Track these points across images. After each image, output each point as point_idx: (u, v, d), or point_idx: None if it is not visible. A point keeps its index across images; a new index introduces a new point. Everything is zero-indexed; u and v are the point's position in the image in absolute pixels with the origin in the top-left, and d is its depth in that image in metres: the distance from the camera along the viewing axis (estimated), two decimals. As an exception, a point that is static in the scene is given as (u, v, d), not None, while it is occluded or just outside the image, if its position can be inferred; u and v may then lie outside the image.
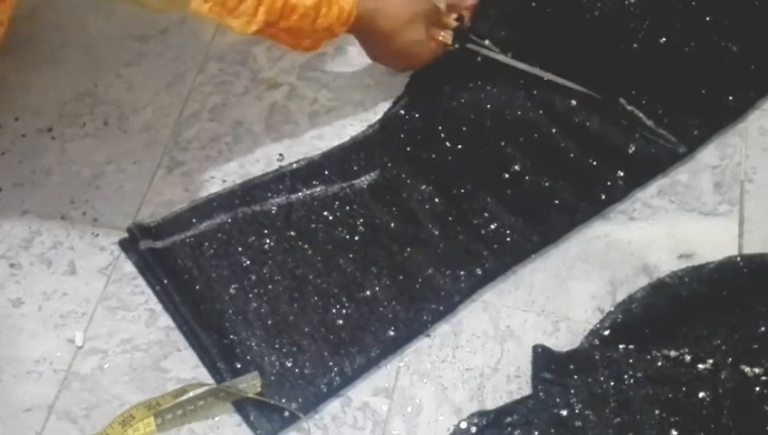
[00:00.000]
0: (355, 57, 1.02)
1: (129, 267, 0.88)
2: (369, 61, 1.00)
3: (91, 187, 0.93)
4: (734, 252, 0.88)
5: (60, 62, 1.02)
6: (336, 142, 0.95)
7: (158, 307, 0.86)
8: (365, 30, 0.91)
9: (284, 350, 0.82)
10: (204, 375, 0.82)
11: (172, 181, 0.93)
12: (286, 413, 0.79)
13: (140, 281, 0.87)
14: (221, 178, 0.93)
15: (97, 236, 0.90)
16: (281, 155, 0.95)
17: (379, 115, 0.97)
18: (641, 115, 0.94)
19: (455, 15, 0.97)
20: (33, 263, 0.88)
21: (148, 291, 0.87)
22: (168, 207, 0.91)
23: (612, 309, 0.84)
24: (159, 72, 1.01)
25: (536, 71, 0.96)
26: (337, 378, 0.80)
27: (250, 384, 0.79)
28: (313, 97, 0.99)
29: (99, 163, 0.95)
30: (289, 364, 0.81)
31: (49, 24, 1.04)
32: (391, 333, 0.83)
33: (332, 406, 0.80)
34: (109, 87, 1.00)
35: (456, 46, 0.96)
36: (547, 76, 0.96)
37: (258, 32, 0.85)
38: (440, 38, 0.95)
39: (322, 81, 1.00)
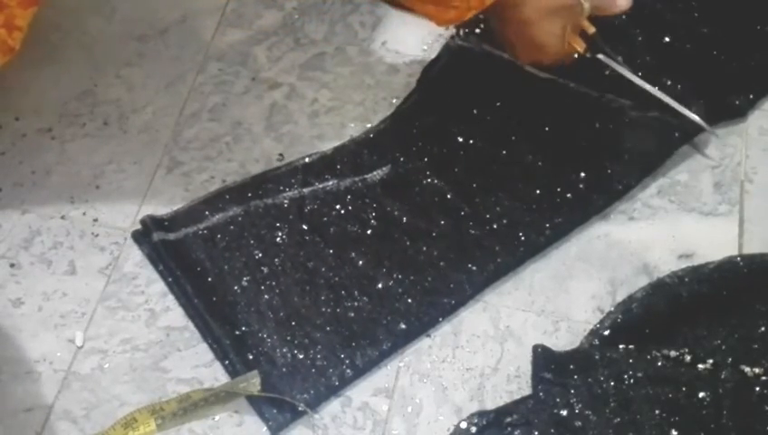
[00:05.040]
0: (355, 57, 1.02)
1: (129, 267, 0.88)
2: (369, 60, 1.01)
3: (90, 187, 0.93)
4: (734, 252, 0.88)
5: (60, 62, 1.02)
6: (336, 142, 0.95)
7: (158, 307, 0.86)
8: (508, 7, 0.87)
9: (296, 342, 0.82)
10: (204, 375, 0.82)
11: (172, 181, 0.93)
12: (299, 407, 0.79)
13: (140, 281, 0.87)
14: (221, 178, 0.93)
15: (97, 236, 0.90)
16: (281, 155, 0.95)
17: (380, 115, 0.97)
18: (659, 93, 0.94)
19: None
20: (33, 263, 0.88)
21: (149, 291, 0.87)
22: (168, 207, 0.91)
23: (612, 309, 0.84)
24: (159, 72, 1.01)
25: (664, 97, 0.94)
26: (348, 371, 0.81)
27: (250, 383, 0.79)
28: (313, 97, 0.99)
29: (99, 163, 0.95)
30: (301, 356, 0.81)
31: (49, 24, 1.04)
32: (403, 326, 0.83)
33: (332, 406, 0.80)
34: (109, 87, 1.00)
35: (588, 55, 0.94)
36: (667, 101, 0.94)
37: None
38: (574, 44, 0.92)
39: (322, 81, 1.00)
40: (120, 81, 1.00)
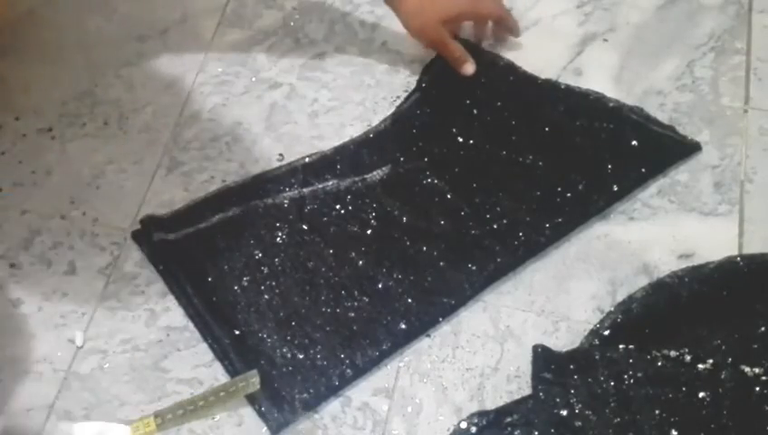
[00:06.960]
0: (355, 57, 1.02)
1: (129, 267, 0.88)
2: (369, 60, 1.01)
3: (90, 187, 0.93)
4: (734, 252, 0.88)
5: (60, 62, 1.02)
6: (336, 142, 0.95)
7: (158, 307, 0.86)
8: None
9: (296, 342, 0.82)
10: (204, 375, 0.82)
11: (172, 181, 0.93)
12: (297, 406, 0.79)
13: (140, 281, 0.87)
14: (221, 178, 0.93)
15: (97, 236, 0.90)
16: (281, 155, 0.95)
17: (380, 115, 0.97)
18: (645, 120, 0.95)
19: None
20: (33, 263, 0.88)
21: (149, 291, 0.87)
22: (168, 207, 0.91)
23: (612, 309, 0.84)
24: (159, 72, 1.01)
25: None
26: (348, 371, 0.81)
27: (250, 383, 0.79)
28: (313, 97, 0.99)
29: (99, 163, 0.95)
30: (301, 356, 0.82)
31: (48, 24, 1.04)
32: (403, 326, 0.83)
33: (332, 406, 0.81)
34: (109, 87, 1.00)
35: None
36: None
37: None
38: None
39: (322, 81, 1.00)
40: (120, 81, 1.00)
